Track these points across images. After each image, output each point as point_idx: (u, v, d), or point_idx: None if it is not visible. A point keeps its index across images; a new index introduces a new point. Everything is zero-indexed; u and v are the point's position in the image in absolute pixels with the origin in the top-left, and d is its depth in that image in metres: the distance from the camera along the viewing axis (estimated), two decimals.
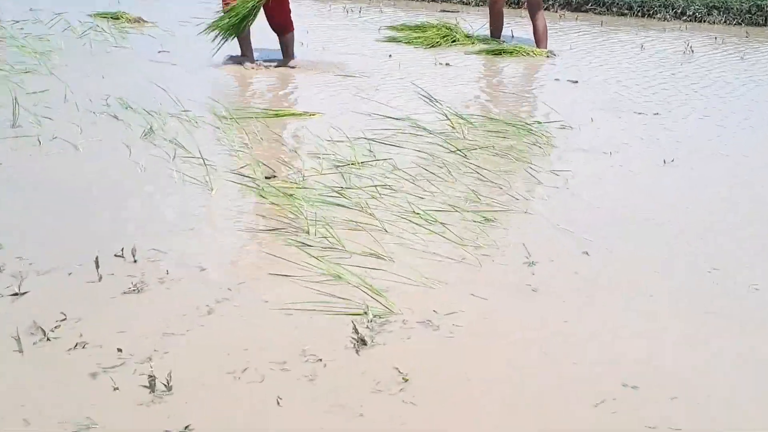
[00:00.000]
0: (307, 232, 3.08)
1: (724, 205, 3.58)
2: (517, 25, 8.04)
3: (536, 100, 5.44)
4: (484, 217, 3.28)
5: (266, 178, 3.66)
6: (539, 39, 6.77)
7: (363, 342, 2.34)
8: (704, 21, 8.63)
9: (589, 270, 2.88)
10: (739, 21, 8.49)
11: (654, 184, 3.80)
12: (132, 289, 2.62)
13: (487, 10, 7.55)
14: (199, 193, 3.49)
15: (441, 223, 3.18)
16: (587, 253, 3.00)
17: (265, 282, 2.72)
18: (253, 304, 2.57)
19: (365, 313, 2.49)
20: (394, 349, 2.33)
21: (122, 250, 2.84)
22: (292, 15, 6.16)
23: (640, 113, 5.03)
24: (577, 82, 5.85)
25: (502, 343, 2.39)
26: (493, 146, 4.20)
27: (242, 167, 3.79)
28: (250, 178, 3.64)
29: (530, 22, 6.91)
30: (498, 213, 3.34)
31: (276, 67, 6.05)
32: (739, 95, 5.62)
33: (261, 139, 4.29)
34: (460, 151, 4.07)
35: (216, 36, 5.81)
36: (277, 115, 4.71)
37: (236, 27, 5.78)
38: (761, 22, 8.41)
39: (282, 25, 6.14)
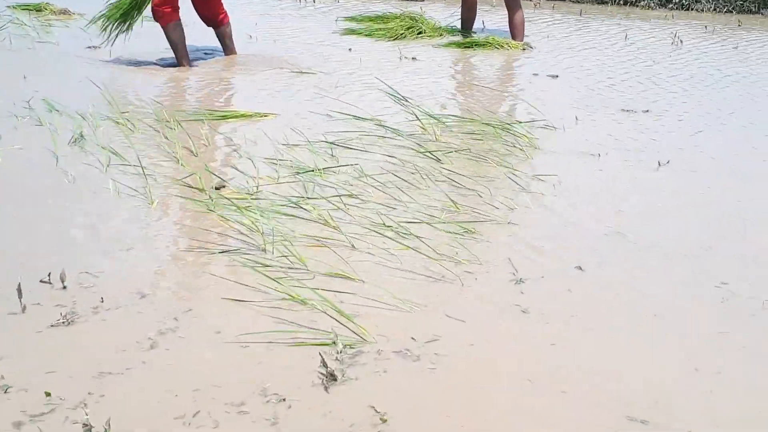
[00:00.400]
0: (264, 250, 2.97)
1: (727, 210, 3.55)
2: (488, 15, 8.03)
3: (515, 97, 5.39)
4: (463, 228, 3.20)
5: (215, 188, 3.54)
6: (515, 30, 6.75)
7: (332, 377, 2.23)
8: (692, 9, 8.72)
9: (583, 287, 2.81)
10: (730, 8, 8.59)
11: (649, 189, 3.76)
12: (61, 321, 2.48)
13: None
14: (137, 207, 3.35)
15: (415, 236, 3.09)
16: (581, 268, 2.94)
17: (216, 309, 2.60)
18: (203, 336, 2.45)
19: (334, 343, 2.39)
20: (369, 385, 2.23)
21: (49, 275, 2.70)
22: (225, 5, 6.02)
23: (628, 110, 5.01)
24: (557, 76, 5.83)
25: (490, 375, 2.30)
26: (470, 149, 4.13)
27: (187, 176, 3.67)
28: (197, 188, 3.52)
29: (504, 12, 6.89)
30: (478, 224, 3.27)
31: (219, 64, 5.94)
32: (736, 90, 5.65)
33: (208, 143, 4.17)
34: (433, 154, 4.00)
35: (105, 26, 5.70)
36: (225, 117, 4.59)
37: (124, 17, 5.66)
38: (753, 9, 8.52)
39: (211, 18, 6.01)
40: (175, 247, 3.03)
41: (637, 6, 8.90)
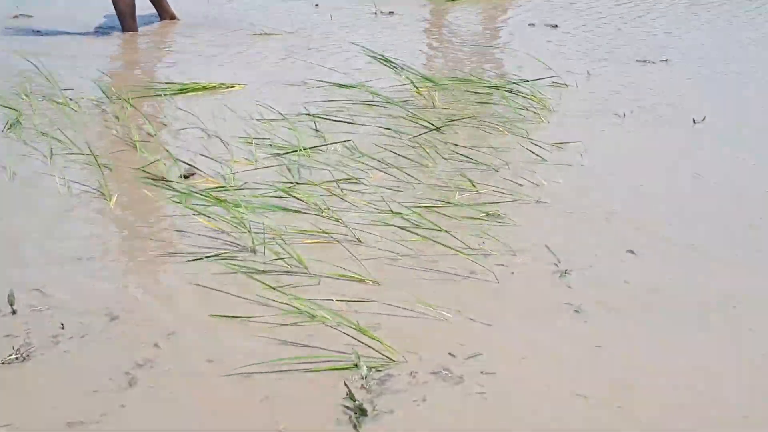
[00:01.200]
0: (254, 251, 2.65)
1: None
2: None
3: (513, 52, 5.09)
4: (485, 212, 2.91)
5: (184, 177, 3.21)
6: None
7: (362, 411, 1.94)
8: None
9: (642, 276, 2.54)
10: None
11: (691, 151, 3.51)
12: (14, 356, 2.16)
13: None
14: (93, 205, 3.02)
15: (431, 224, 2.79)
16: (633, 252, 2.66)
17: (205, 330, 2.28)
18: (192, 366, 2.14)
19: (356, 366, 2.09)
20: (408, 419, 1.94)
21: None
22: None
23: (644, 61, 4.75)
24: (557, 26, 5.56)
25: (556, 400, 2.01)
26: (475, 116, 3.83)
27: (148, 164, 3.33)
28: (162, 179, 3.18)
29: None
30: (502, 205, 2.98)
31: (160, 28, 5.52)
32: (758, 26, 5.41)
33: (167, 123, 3.83)
34: (433, 124, 3.69)
35: None
36: (184, 90, 4.24)
37: None
38: None
39: None
40: (145, 253, 2.69)
41: None
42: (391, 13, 5.92)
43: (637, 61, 4.77)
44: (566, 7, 6.06)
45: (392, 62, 4.39)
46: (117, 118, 3.81)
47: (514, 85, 4.20)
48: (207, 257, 2.62)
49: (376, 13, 5.91)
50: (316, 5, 6.14)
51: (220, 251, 2.66)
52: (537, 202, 3.03)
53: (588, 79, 4.44)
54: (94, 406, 1.99)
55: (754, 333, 2.27)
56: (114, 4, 5.31)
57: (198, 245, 2.71)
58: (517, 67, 4.71)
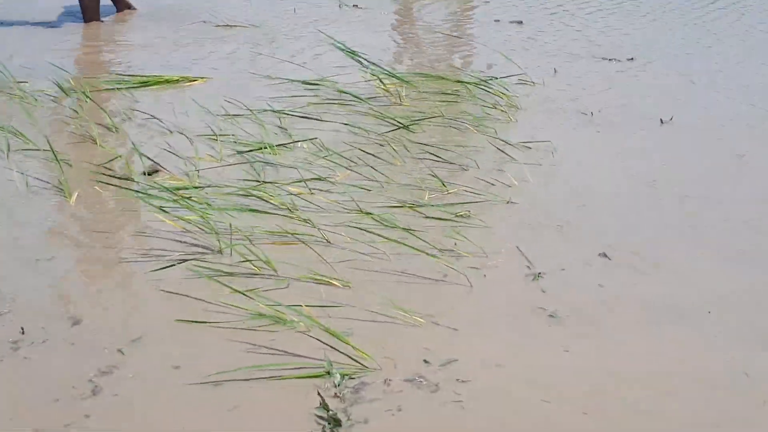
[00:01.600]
0: (221, 253, 2.59)
1: (748, 171, 3.32)
2: None
3: (480, 48, 5.05)
4: (455, 213, 2.87)
5: (147, 173, 3.13)
6: None
7: (336, 422, 1.89)
8: None
9: (615, 280, 2.52)
10: None
11: (660, 149, 3.52)
12: None
13: None
14: (52, 204, 2.93)
15: (401, 225, 2.75)
16: (606, 256, 2.64)
17: (171, 336, 2.22)
18: (158, 374, 2.07)
19: (329, 373, 2.04)
20: (384, 430, 1.89)
21: None
22: None
23: (610, 59, 4.74)
24: (522, 22, 5.52)
25: (535, 408, 1.98)
26: (443, 114, 3.79)
27: (110, 160, 3.24)
28: (124, 176, 3.09)
29: None
30: (473, 205, 2.94)
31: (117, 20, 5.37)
32: (729, 22, 5.43)
33: (129, 118, 3.73)
34: (401, 122, 3.64)
35: None
36: (145, 84, 4.14)
37: None
38: None
39: None
40: (107, 254, 2.61)
41: None
42: (355, 6, 5.84)
43: (603, 59, 4.75)
44: (530, 4, 6.03)
45: (359, 57, 4.33)
46: (76, 112, 3.71)
47: (483, 81, 4.15)
48: (172, 260, 2.54)
49: (341, 6, 5.84)
50: None
51: (185, 253, 2.59)
52: (507, 202, 2.99)
53: (555, 76, 4.41)
54: (56, 416, 1.92)
55: (726, 336, 2.26)
56: None
57: (163, 247, 2.63)
58: (485, 63, 4.68)
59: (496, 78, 4.23)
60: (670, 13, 5.86)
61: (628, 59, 4.72)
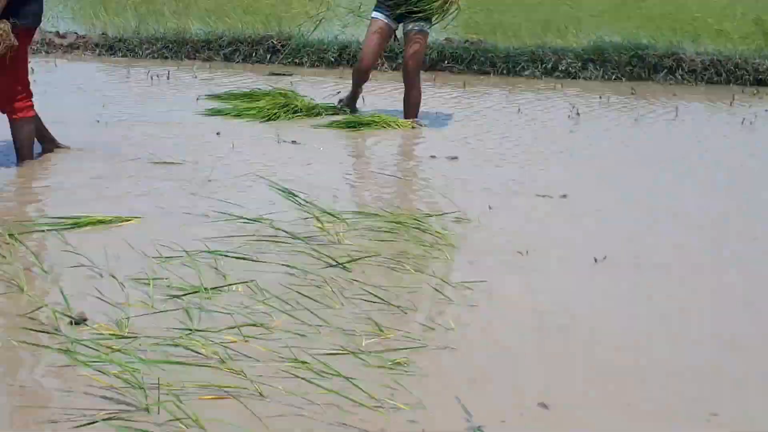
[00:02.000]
0: (148, 410, 2.46)
1: (680, 316, 3.34)
2: (369, 90, 7.78)
3: (416, 185, 5.09)
4: (393, 360, 2.80)
5: (74, 323, 3.01)
6: (410, 108, 6.52)
7: None
8: (579, 77, 8.78)
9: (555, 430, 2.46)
10: (619, 75, 8.71)
11: (593, 289, 3.52)
12: None
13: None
14: None
15: (338, 373, 2.67)
16: (545, 406, 2.58)
17: None
18: None
19: None
20: None
21: None
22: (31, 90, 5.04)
23: (543, 196, 4.79)
24: (457, 158, 5.59)
25: None
26: (380, 253, 3.76)
27: (35, 310, 3.11)
28: (49, 328, 2.97)
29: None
30: (411, 351, 2.88)
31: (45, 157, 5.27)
32: (650, 165, 5.57)
33: (57, 262, 3.62)
34: (338, 262, 3.60)
35: None
36: (77, 225, 4.03)
37: None
38: (644, 76, 8.67)
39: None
40: (27, 415, 2.47)
41: (521, 76, 8.88)
42: (294, 142, 5.87)
43: (537, 195, 4.81)
44: (465, 139, 6.13)
45: (296, 195, 4.31)
46: (4, 257, 3.59)
47: (418, 220, 4.16)
48: (94, 421, 2.41)
49: (279, 142, 5.86)
50: (218, 133, 6.05)
51: (110, 411, 2.46)
52: (446, 348, 2.94)
53: (489, 213, 4.44)
54: None
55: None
56: (14, 134, 5.06)
57: (87, 405, 2.50)
58: (420, 200, 4.70)
59: (431, 215, 4.24)
60: (605, 142, 6.01)
61: (561, 197, 4.78)
